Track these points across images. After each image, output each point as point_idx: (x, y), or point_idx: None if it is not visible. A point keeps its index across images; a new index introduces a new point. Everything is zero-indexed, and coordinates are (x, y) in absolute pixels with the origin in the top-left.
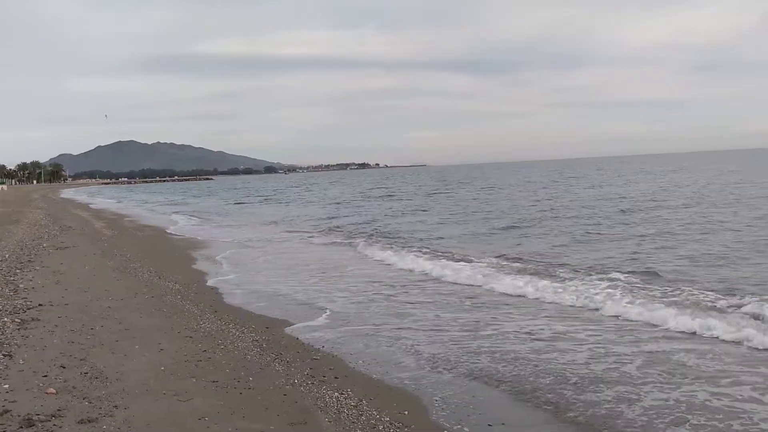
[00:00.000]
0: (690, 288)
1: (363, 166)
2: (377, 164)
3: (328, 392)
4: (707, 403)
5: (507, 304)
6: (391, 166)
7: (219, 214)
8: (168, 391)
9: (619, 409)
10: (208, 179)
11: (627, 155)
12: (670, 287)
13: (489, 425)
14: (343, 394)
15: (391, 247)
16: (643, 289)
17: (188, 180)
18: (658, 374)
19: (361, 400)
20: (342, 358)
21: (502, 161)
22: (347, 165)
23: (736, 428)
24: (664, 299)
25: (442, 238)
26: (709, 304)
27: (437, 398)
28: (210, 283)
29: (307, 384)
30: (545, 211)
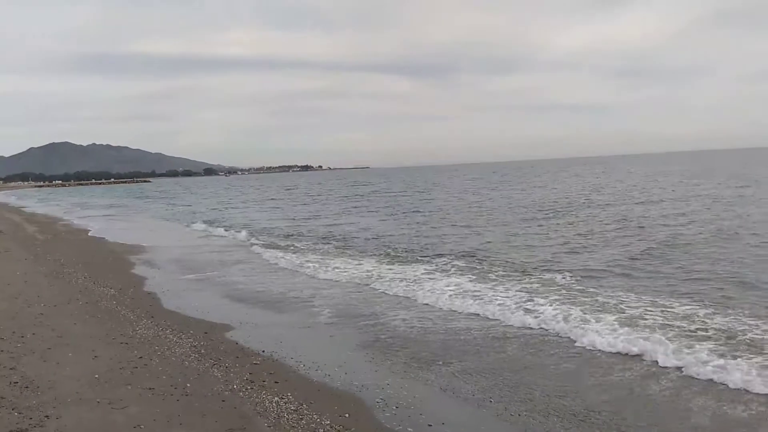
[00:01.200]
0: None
1: (306, 168)
2: (320, 166)
3: (268, 397)
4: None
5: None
6: (334, 168)
7: (154, 216)
8: (102, 399)
9: (559, 404)
10: (146, 181)
11: (558, 158)
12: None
13: (429, 425)
14: (283, 398)
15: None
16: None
17: (125, 182)
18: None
19: (302, 404)
20: (283, 362)
21: (444, 164)
22: (290, 167)
23: None
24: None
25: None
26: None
27: (379, 399)
28: (147, 287)
29: (247, 389)
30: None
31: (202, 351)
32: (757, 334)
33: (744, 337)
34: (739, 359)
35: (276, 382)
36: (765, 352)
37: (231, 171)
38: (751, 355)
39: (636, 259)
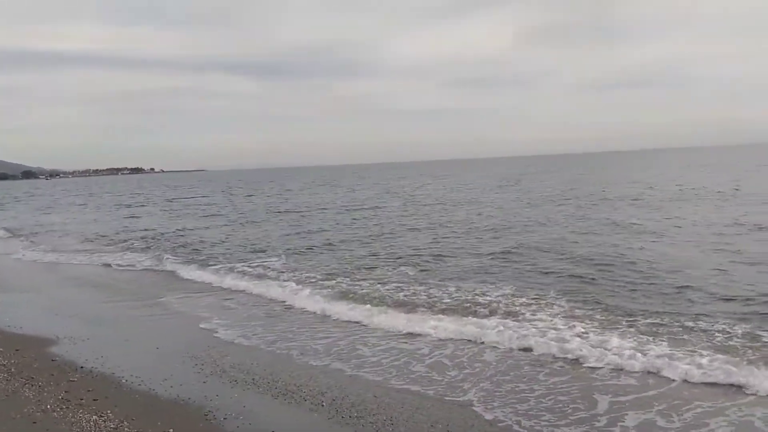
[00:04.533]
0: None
1: (136, 170)
2: (152, 169)
3: (85, 416)
4: None
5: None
6: (167, 171)
7: None
8: None
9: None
10: None
11: (408, 162)
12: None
13: None
14: (102, 416)
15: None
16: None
17: None
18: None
19: (123, 422)
20: (104, 377)
21: (287, 166)
22: (119, 170)
23: None
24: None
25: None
26: None
27: (207, 411)
28: None
29: (62, 409)
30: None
31: (13, 370)
32: None
33: None
34: None
35: (95, 400)
36: None
37: (53, 174)
38: None
39: None
